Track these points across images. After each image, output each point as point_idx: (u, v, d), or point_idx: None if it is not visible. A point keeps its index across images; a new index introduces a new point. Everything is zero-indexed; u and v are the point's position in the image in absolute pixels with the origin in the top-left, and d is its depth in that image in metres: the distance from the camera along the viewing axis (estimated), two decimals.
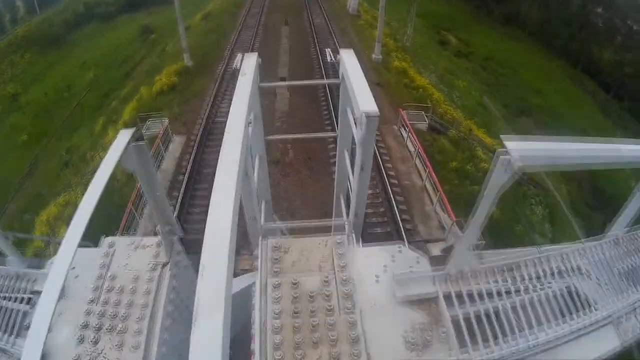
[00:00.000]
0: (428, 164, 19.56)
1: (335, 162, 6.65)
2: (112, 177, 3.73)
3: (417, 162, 20.58)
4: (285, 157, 21.09)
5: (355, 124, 4.31)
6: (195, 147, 21.60)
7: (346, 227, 4.73)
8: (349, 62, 4.57)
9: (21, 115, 45.33)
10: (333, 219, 5.55)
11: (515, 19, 64.60)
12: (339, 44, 36.14)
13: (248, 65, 4.75)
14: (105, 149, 16.02)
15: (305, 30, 40.91)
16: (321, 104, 25.91)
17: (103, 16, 68.91)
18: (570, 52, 56.21)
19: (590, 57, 54.42)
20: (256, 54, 5.14)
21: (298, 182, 19.48)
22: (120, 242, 4.84)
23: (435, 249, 15.62)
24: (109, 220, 15.52)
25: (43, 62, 56.11)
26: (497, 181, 3.19)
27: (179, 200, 17.72)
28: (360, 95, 3.91)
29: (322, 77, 28.95)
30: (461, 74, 43.47)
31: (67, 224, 3.44)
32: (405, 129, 23.13)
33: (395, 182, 19.12)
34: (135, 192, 16.47)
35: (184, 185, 18.65)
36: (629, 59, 50.37)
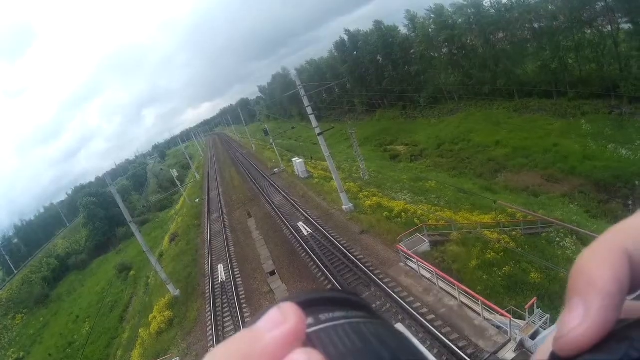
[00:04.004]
0: (451, 279, 20.12)
1: None
2: None
3: (441, 284, 21.01)
4: None
5: None
6: None
7: None
8: None
9: None
10: None
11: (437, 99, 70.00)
12: (306, 213, 37.28)
13: None
14: None
15: (270, 215, 41.99)
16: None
17: (77, 266, 77.11)
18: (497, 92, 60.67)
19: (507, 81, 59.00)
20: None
21: None
22: None
23: (508, 353, 15.93)
24: None
25: (36, 323, 59.54)
26: None
27: None
28: None
29: (306, 254, 29.62)
30: (426, 174, 45.64)
31: None
32: (411, 260, 23.65)
33: (433, 316, 19.15)
34: None
35: None
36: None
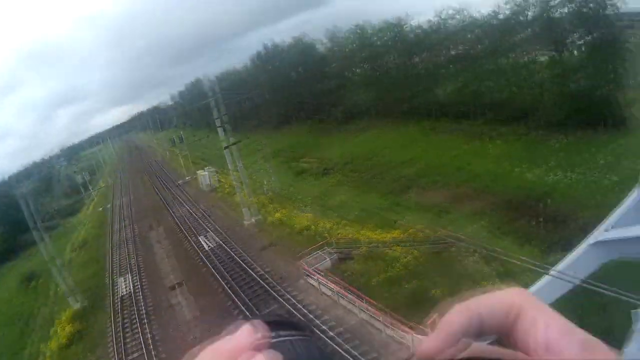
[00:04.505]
0: (354, 295, 19.66)
1: None
2: None
3: (343, 301, 20.52)
4: None
5: None
6: None
7: None
8: None
9: None
10: None
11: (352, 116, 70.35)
12: (210, 226, 37.00)
13: None
14: None
15: (174, 227, 41.30)
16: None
17: None
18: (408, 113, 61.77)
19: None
20: None
21: None
22: None
23: None
24: None
25: None
26: None
27: None
28: None
29: (208, 269, 29.17)
30: (335, 190, 45.12)
31: None
32: (314, 277, 23.25)
33: (333, 334, 18.58)
34: None
35: None
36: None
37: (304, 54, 78.39)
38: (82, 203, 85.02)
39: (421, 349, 0.59)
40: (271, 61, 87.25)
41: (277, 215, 35.77)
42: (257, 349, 0.56)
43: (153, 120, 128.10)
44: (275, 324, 0.64)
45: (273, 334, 0.62)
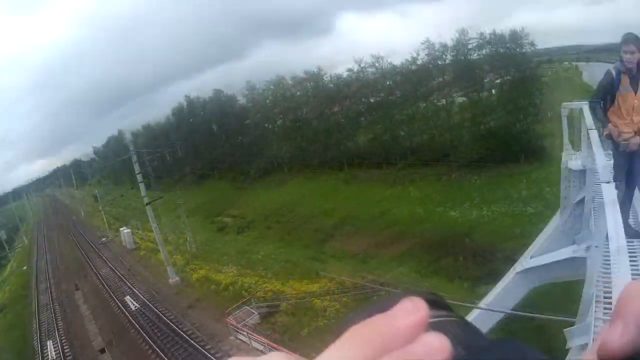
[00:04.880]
0: (283, 350, 18.49)
1: None
2: None
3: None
4: None
5: None
6: None
7: None
8: None
9: None
10: None
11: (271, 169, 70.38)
12: (134, 286, 36.15)
13: None
14: None
15: (97, 288, 40.08)
16: None
17: None
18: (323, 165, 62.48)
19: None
20: None
21: None
22: None
23: None
24: None
25: None
26: None
27: None
28: None
29: (135, 330, 28.36)
30: (257, 243, 44.75)
31: None
32: (242, 333, 23.39)
33: None
34: None
35: None
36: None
37: (224, 107, 78.70)
38: (2, 262, 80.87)
39: (603, 343, 0.46)
40: (192, 114, 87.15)
41: (202, 272, 35.64)
42: (419, 328, 0.46)
43: (75, 174, 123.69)
44: (428, 301, 0.52)
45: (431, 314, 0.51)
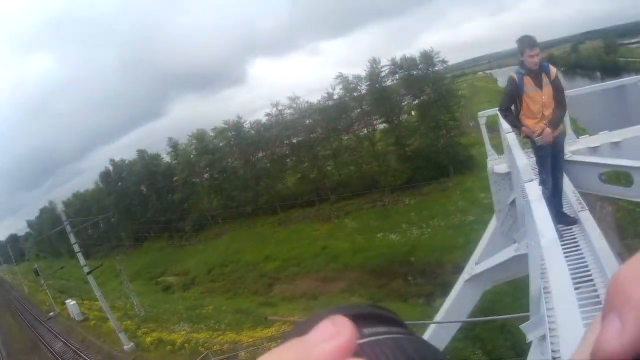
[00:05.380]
0: None
1: None
2: None
3: None
4: None
5: None
6: None
7: None
8: None
9: None
10: None
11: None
12: (88, 357, 35.05)
13: None
14: None
15: None
16: None
17: None
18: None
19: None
20: None
21: None
22: None
23: None
24: None
25: None
26: None
27: None
28: None
29: None
30: (203, 300, 44.58)
31: None
32: None
33: None
34: None
35: None
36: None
37: (149, 166, 77.20)
38: None
39: (600, 343, 0.37)
40: (119, 177, 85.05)
41: (155, 334, 35.21)
42: (341, 354, 0.39)
43: (12, 249, 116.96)
44: (360, 318, 0.46)
45: (360, 333, 0.44)
